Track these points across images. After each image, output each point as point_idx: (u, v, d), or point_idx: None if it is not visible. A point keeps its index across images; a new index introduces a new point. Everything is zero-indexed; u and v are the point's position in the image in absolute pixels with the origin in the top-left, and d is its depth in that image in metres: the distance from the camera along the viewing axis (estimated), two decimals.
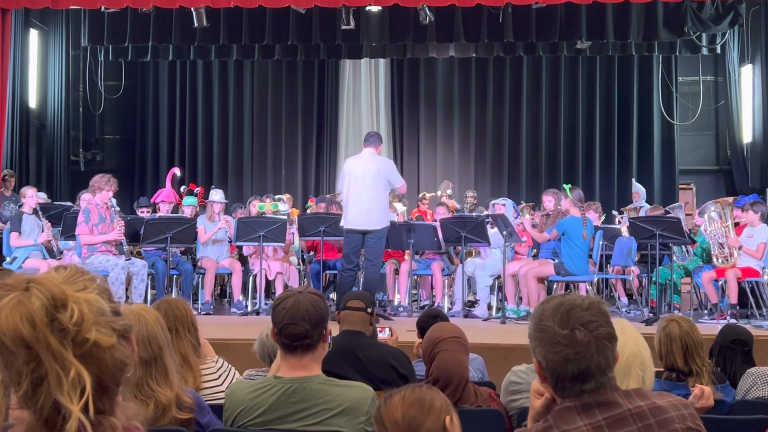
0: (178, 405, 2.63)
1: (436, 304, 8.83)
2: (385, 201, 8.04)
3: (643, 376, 2.72)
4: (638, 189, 10.93)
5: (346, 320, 3.76)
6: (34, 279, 1.21)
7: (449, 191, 11.53)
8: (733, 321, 7.46)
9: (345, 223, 7.97)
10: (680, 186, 13.77)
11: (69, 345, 1.16)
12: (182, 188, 10.49)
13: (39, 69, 12.45)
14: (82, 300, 1.20)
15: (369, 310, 3.78)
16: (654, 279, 8.42)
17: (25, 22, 11.80)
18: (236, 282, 8.88)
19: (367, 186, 7.80)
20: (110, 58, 13.37)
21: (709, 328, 4.39)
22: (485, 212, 9.78)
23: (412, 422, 1.91)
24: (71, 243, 8.62)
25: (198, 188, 10.46)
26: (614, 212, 10.57)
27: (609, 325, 1.80)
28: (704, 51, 13.04)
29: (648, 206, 10.04)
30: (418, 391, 1.98)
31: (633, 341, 2.73)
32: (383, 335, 4.32)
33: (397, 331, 4.58)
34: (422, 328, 4.17)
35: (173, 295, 8.43)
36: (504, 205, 9.17)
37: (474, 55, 13.59)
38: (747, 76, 12.37)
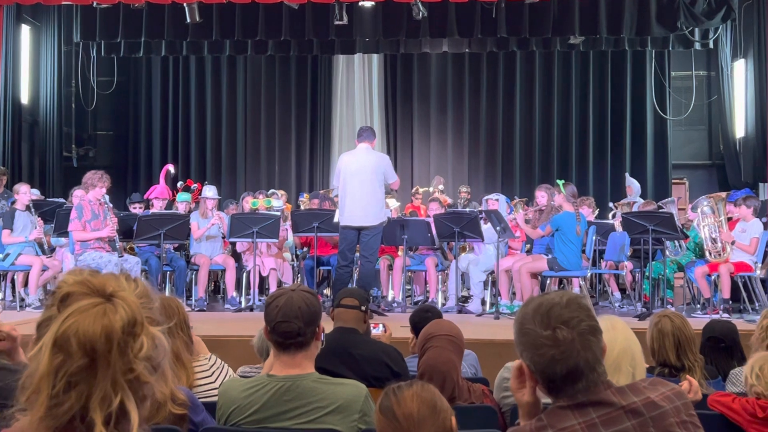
0: (173, 400, 2.63)
1: (429, 300, 8.84)
2: (381, 196, 7.99)
3: (634, 372, 2.72)
4: (631, 183, 10.93)
5: (340, 318, 3.75)
6: (117, 292, 1.22)
7: (441, 186, 11.54)
8: (726, 316, 7.48)
9: (341, 219, 7.93)
10: (673, 181, 13.80)
11: (120, 370, 1.18)
12: (179, 184, 10.47)
13: (31, 65, 12.40)
14: (151, 334, 1.23)
15: (363, 308, 3.77)
16: (647, 274, 8.43)
17: (16, 17, 11.76)
18: (230, 278, 8.87)
19: (363, 182, 7.76)
20: (102, 53, 13.34)
21: (702, 322, 4.40)
22: (479, 208, 9.79)
23: (424, 420, 1.95)
24: (64, 240, 8.61)
25: (195, 185, 10.44)
26: (611, 205, 10.58)
27: (591, 319, 1.78)
28: (697, 46, 13.06)
29: (641, 201, 10.05)
30: (428, 389, 2.03)
31: (623, 337, 2.73)
32: (377, 331, 4.32)
33: (391, 327, 4.58)
34: (414, 324, 4.17)
35: (167, 292, 8.42)
36: (497, 200, 9.17)
37: (467, 50, 13.59)
38: (740, 71, 12.39)
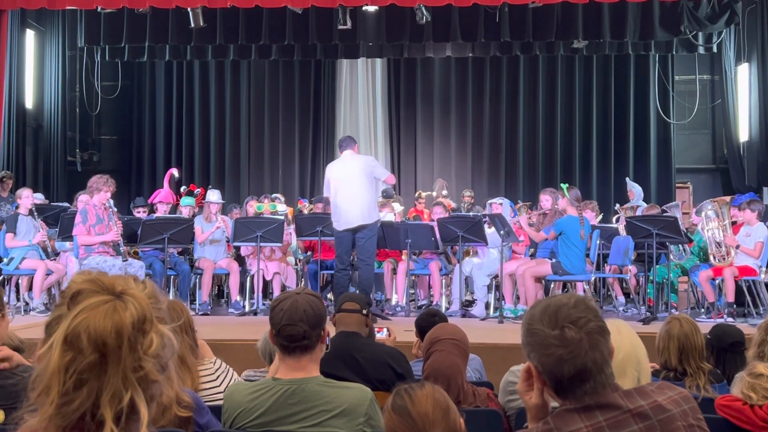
0: (178, 402, 2.63)
1: (433, 304, 8.83)
2: (374, 197, 8.17)
3: (639, 377, 2.71)
4: (632, 187, 10.91)
5: (342, 322, 3.75)
6: (126, 290, 1.23)
7: (444, 191, 11.52)
8: (730, 320, 7.46)
9: (336, 225, 8.02)
10: (677, 185, 13.79)
11: (130, 367, 1.18)
12: (182, 188, 10.48)
13: (35, 69, 12.43)
14: (161, 332, 1.24)
15: (365, 311, 3.78)
16: (651, 278, 8.42)
17: (21, 22, 11.79)
18: (234, 282, 8.88)
19: (355, 186, 7.89)
20: (107, 58, 13.35)
21: (706, 327, 4.40)
22: (482, 212, 9.79)
23: (438, 420, 1.97)
24: (68, 244, 8.62)
25: (198, 189, 10.45)
26: (616, 207, 10.56)
27: (598, 320, 1.78)
28: (701, 50, 13.05)
29: (645, 205, 10.04)
30: (440, 390, 2.05)
31: (629, 342, 2.72)
32: (381, 335, 4.32)
33: (395, 331, 4.57)
34: (421, 328, 4.16)
35: (170, 296, 8.42)
36: (501, 204, 9.17)
37: (471, 54, 13.59)
38: (743, 75, 12.38)
